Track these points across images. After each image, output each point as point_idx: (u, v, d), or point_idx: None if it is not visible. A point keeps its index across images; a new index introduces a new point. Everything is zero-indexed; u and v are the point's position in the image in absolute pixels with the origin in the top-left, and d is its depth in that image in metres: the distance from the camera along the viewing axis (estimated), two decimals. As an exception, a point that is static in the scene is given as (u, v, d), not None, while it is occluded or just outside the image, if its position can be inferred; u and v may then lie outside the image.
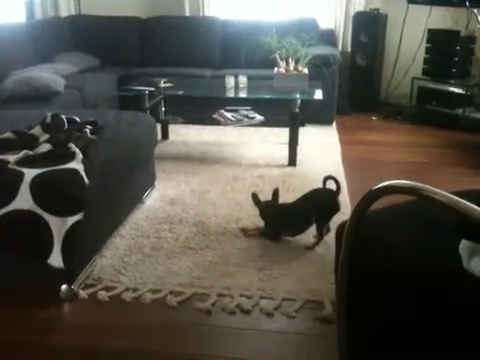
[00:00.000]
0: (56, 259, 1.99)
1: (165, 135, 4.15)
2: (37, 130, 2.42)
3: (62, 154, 2.18)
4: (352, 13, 5.00)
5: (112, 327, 1.92)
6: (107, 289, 2.12)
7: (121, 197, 2.57)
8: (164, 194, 3.06)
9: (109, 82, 4.52)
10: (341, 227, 1.60)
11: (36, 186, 1.98)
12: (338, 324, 1.40)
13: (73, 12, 5.46)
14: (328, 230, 2.50)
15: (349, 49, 5.10)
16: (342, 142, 4.10)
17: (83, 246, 2.11)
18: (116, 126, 2.71)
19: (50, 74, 3.95)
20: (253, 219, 2.68)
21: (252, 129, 4.19)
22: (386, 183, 1.15)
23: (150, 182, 3.09)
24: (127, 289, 2.12)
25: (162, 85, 3.78)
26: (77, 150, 2.20)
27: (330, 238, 2.40)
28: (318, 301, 2.03)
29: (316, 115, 4.35)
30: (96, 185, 2.14)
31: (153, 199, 2.99)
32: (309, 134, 4.19)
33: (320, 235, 2.46)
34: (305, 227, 2.51)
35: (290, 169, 3.50)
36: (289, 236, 2.52)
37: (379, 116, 4.90)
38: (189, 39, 5.00)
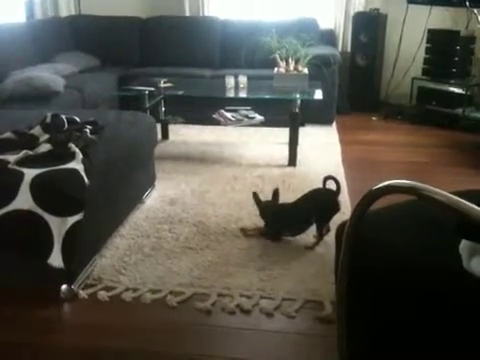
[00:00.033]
0: (56, 259, 1.99)
1: (165, 135, 4.15)
2: (37, 130, 2.42)
3: (62, 154, 2.18)
4: (352, 13, 5.00)
5: (112, 327, 1.92)
6: (107, 289, 2.12)
7: (121, 197, 2.57)
8: (164, 194, 3.06)
9: (109, 82, 4.52)
10: (341, 227, 1.60)
11: (36, 186, 1.98)
12: (338, 324, 1.40)
13: (73, 12, 5.46)
14: (328, 230, 2.50)
15: (349, 49, 5.10)
16: (342, 142, 4.10)
17: (83, 246, 2.11)
18: (116, 126, 2.71)
19: (50, 74, 3.95)
20: (253, 219, 2.68)
21: (252, 129, 4.19)
22: (386, 183, 1.15)
23: (150, 182, 3.09)
24: (127, 289, 2.12)
25: (162, 85, 3.78)
26: (77, 150, 2.20)
27: (330, 238, 2.40)
28: (318, 301, 2.03)
29: (316, 115, 4.35)
30: (96, 185, 2.14)
31: (153, 199, 2.99)
32: (309, 134, 4.19)
33: (320, 235, 2.47)
34: (305, 227, 2.51)
35: (290, 169, 3.50)
36: (289, 236, 2.52)
37: (379, 116, 4.90)
38: (189, 39, 5.00)
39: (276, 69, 3.81)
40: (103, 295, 2.08)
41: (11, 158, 2.11)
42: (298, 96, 3.55)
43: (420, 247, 1.44)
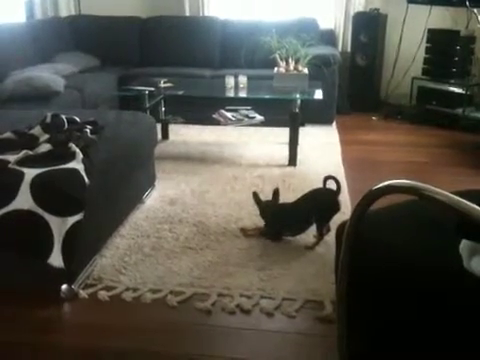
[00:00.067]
0: (56, 259, 1.99)
1: (165, 135, 4.15)
2: (37, 130, 2.42)
3: (62, 154, 2.18)
4: (352, 13, 5.00)
5: (112, 327, 1.92)
6: (107, 289, 2.12)
7: (121, 197, 2.57)
8: (164, 194, 3.06)
9: (109, 82, 4.52)
10: (341, 227, 1.60)
11: (36, 186, 1.98)
12: (338, 324, 1.40)
13: (73, 12, 5.46)
14: (328, 230, 2.50)
15: (349, 49, 5.10)
16: (342, 142, 4.10)
17: (83, 246, 2.11)
18: (116, 126, 2.71)
19: (50, 74, 3.95)
20: (253, 219, 2.68)
21: (252, 129, 4.19)
22: (386, 183, 1.15)
23: (150, 182, 3.09)
24: (127, 289, 2.12)
25: (162, 85, 3.78)
26: (77, 150, 2.20)
27: (330, 238, 2.40)
28: (318, 301, 2.03)
29: (316, 115, 4.35)
30: (96, 185, 2.14)
31: (153, 199, 2.99)
32: (309, 134, 4.19)
33: (320, 235, 2.47)
34: (305, 227, 2.51)
35: (290, 169, 3.50)
36: (289, 236, 2.52)
37: (379, 116, 4.90)
38: (189, 39, 5.00)
39: (276, 69, 3.81)
40: (103, 295, 2.08)
41: (11, 158, 2.11)
42: (298, 96, 3.55)
43: (420, 247, 1.44)
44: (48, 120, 2.51)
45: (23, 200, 1.97)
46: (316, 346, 1.81)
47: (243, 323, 1.93)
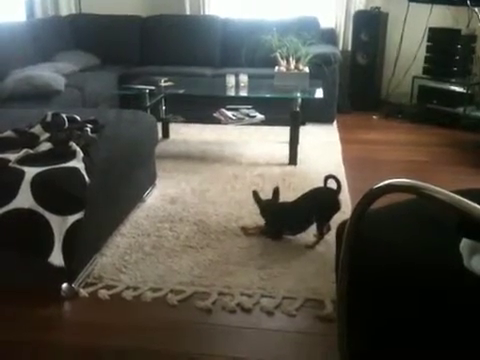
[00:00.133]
0: (57, 258, 1.99)
1: (166, 134, 4.15)
2: (38, 129, 2.42)
3: (63, 153, 2.18)
4: (353, 12, 5.00)
5: (113, 326, 1.92)
6: (108, 288, 2.12)
7: (122, 196, 2.57)
8: (165, 193, 3.07)
9: (109, 81, 4.52)
10: (342, 226, 1.60)
11: (37, 185, 1.98)
12: (338, 323, 1.40)
13: (73, 11, 5.46)
14: (329, 229, 2.50)
15: (350, 48, 5.10)
16: (343, 141, 4.10)
17: (84, 245, 2.11)
18: (117, 125, 2.71)
19: (50, 73, 3.95)
20: (254, 218, 2.68)
21: (253, 128, 4.19)
22: (387, 182, 1.15)
23: (151, 181, 3.09)
24: (128, 288, 2.12)
25: (163, 84, 3.78)
26: (78, 149, 2.20)
27: (331, 237, 2.40)
28: (319, 300, 2.03)
29: (317, 114, 4.35)
30: (97, 184, 2.14)
31: (154, 198, 2.99)
32: (310, 133, 4.19)
33: (320, 234, 2.47)
34: (306, 226, 2.51)
35: (291, 168, 3.50)
36: (290, 235, 2.52)
37: (380, 115, 4.90)
38: (190, 38, 5.00)
39: (277, 68, 3.80)
40: (104, 294, 2.08)
41: (12, 157, 2.11)
42: (299, 95, 3.55)
43: (420, 246, 1.44)
44: (48, 119, 2.51)
45: (23, 199, 1.97)
46: (316, 345, 1.81)
47: (243, 322, 1.93)
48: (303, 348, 1.80)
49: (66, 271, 2.03)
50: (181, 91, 3.65)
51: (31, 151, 2.20)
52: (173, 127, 4.21)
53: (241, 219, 2.71)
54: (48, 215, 1.97)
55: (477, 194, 1.37)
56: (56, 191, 2.00)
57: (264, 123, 3.95)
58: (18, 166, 2.05)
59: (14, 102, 3.46)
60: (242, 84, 3.76)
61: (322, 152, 3.81)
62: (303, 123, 4.08)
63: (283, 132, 3.73)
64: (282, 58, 3.76)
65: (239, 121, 3.91)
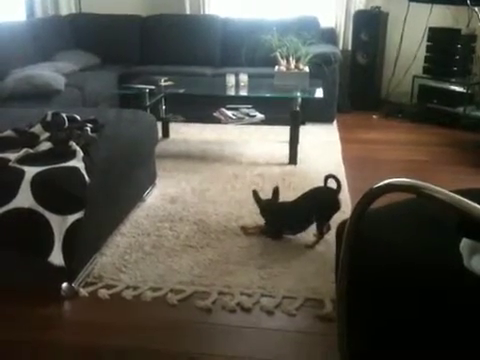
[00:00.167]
0: (57, 257, 1.99)
1: (166, 133, 4.15)
2: (38, 128, 2.42)
3: (63, 152, 2.18)
4: (353, 11, 5.00)
5: (112, 325, 1.92)
6: (108, 287, 2.12)
7: (122, 195, 2.57)
8: (165, 192, 3.07)
9: (109, 80, 4.52)
10: (342, 225, 1.60)
11: (37, 184, 1.98)
12: (338, 322, 1.40)
13: (73, 10, 5.46)
14: (328, 229, 2.50)
15: (350, 47, 5.10)
16: (343, 140, 4.10)
17: (84, 244, 2.11)
18: (117, 124, 2.71)
19: (51, 72, 3.95)
20: (254, 217, 2.68)
21: (253, 127, 4.19)
22: (386, 181, 1.15)
23: (151, 180, 3.09)
24: (127, 287, 2.12)
25: (163, 83, 3.78)
26: (78, 148, 2.20)
27: (330, 236, 2.40)
28: (318, 299, 2.03)
29: (317, 113, 4.35)
30: (97, 183, 2.14)
31: (154, 197, 2.99)
32: (310, 132, 4.19)
33: (320, 233, 2.47)
34: (306, 225, 2.51)
35: (291, 167, 3.50)
36: (290, 234, 2.52)
37: (380, 114, 4.89)
38: (190, 37, 5.00)
39: (277, 67, 3.80)
40: (104, 293, 2.08)
41: (12, 156, 2.11)
42: (299, 94, 3.55)
43: (420, 245, 1.44)
44: (49, 118, 2.51)
45: (24, 198, 1.97)
46: (316, 344, 1.81)
47: (243, 321, 1.93)
48: (303, 347, 1.80)
49: (66, 270, 2.03)
50: (181, 90, 3.65)
51: (31, 151, 2.20)
52: (173, 126, 4.21)
53: (241, 219, 2.71)
54: (48, 215, 1.97)
55: (477, 194, 1.36)
56: (56, 190, 2.00)
57: (264, 123, 3.95)
58: (18, 165, 2.05)
59: (14, 101, 3.46)
60: (242, 84, 3.75)
61: (322, 152, 3.81)
62: (303, 123, 4.07)
63: (283, 132, 3.73)
64: (282, 58, 3.76)
65: (239, 120, 3.91)
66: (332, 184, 2.53)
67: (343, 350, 1.40)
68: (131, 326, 1.91)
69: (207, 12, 5.30)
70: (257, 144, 4.00)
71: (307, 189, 2.58)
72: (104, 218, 2.35)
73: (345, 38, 5.13)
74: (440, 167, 3.57)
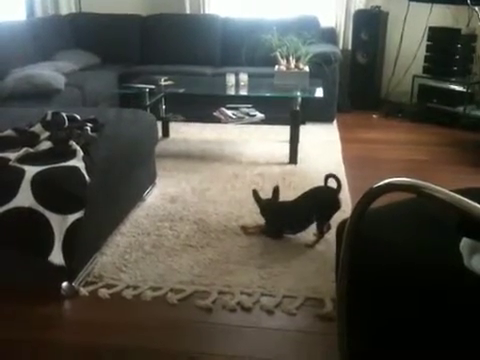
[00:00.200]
0: (57, 256, 1.99)
1: (166, 133, 4.15)
2: (38, 128, 2.42)
3: (63, 152, 2.18)
4: (353, 11, 5.00)
5: (112, 324, 1.92)
6: (108, 287, 2.12)
7: (122, 195, 2.57)
8: (165, 192, 3.07)
9: (109, 80, 4.52)
10: (342, 225, 1.60)
11: (37, 184, 1.98)
12: (339, 322, 1.40)
13: (73, 10, 5.46)
14: (329, 228, 2.50)
15: (350, 47, 5.10)
16: (343, 140, 4.10)
17: (84, 244, 2.11)
18: (117, 124, 2.71)
19: (51, 72, 3.95)
20: (254, 217, 2.68)
21: (253, 127, 4.19)
22: (387, 181, 1.15)
23: (151, 180, 3.09)
24: (128, 287, 2.13)
25: (163, 83, 3.78)
26: (78, 148, 2.20)
27: (331, 236, 2.40)
28: (319, 299, 2.03)
29: (317, 113, 4.35)
30: (97, 183, 2.14)
31: (154, 197, 2.99)
32: (310, 132, 4.19)
33: (320, 233, 2.47)
34: (306, 225, 2.51)
35: (291, 167, 3.50)
36: (290, 234, 2.52)
37: (380, 114, 4.89)
38: (190, 37, 5.00)
39: (277, 67, 3.80)
40: (104, 292, 2.08)
41: (12, 155, 2.11)
42: (299, 94, 3.54)
43: (420, 245, 1.44)
44: (49, 118, 2.51)
45: (24, 198, 1.97)
46: (316, 344, 1.81)
47: (243, 321, 1.93)
48: (303, 347, 1.80)
49: (66, 270, 2.03)
50: (181, 90, 3.65)
51: (31, 150, 2.20)
52: (173, 126, 4.21)
53: (241, 218, 2.71)
54: (48, 214, 1.97)
55: (477, 193, 1.36)
56: (56, 190, 2.00)
57: (264, 122, 3.95)
58: (18, 165, 2.05)
59: (14, 101, 3.46)
60: (242, 83, 3.75)
61: (322, 151, 3.81)
62: (303, 122, 4.07)
63: (283, 131, 3.73)
64: (282, 57, 3.76)
65: (239, 120, 3.91)
66: (332, 183, 2.53)
67: (343, 349, 1.40)
68: (131, 325, 1.91)
69: (207, 12, 5.30)
70: (257, 144, 4.00)
71: (307, 188, 2.58)
72: (104, 217, 2.35)
73: (345, 38, 5.13)
74: (440, 167, 3.57)
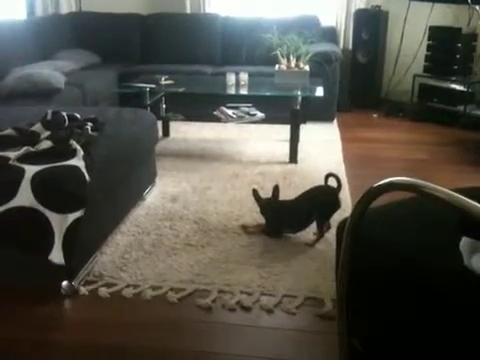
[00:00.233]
0: (57, 255, 1.99)
1: (166, 132, 4.14)
2: (38, 127, 2.42)
3: (63, 151, 2.18)
4: (353, 10, 5.00)
5: (112, 323, 1.92)
6: (108, 285, 2.12)
7: (122, 194, 2.57)
8: (165, 191, 3.07)
9: (110, 79, 4.51)
10: (342, 224, 1.60)
11: (37, 183, 1.98)
12: (338, 321, 1.40)
13: (74, 9, 5.45)
14: (329, 227, 2.50)
15: (350, 46, 5.09)
16: (343, 139, 4.10)
17: (84, 243, 2.11)
18: (117, 123, 2.71)
19: (51, 71, 3.95)
20: (254, 216, 2.68)
21: (253, 126, 4.19)
22: (387, 180, 1.15)
23: (151, 179, 3.09)
24: (128, 286, 2.13)
25: (163, 82, 3.77)
26: (78, 147, 2.20)
27: (331, 235, 2.40)
28: (318, 298, 2.03)
29: (317, 112, 4.35)
30: (97, 182, 2.14)
31: (154, 196, 2.99)
32: (310, 131, 4.19)
33: (321, 232, 2.46)
34: (306, 224, 2.51)
35: (291, 166, 3.50)
36: (290, 233, 2.52)
37: (380, 113, 4.89)
38: (190, 36, 5.00)
39: (277, 66, 3.80)
40: (104, 291, 2.08)
41: (12, 155, 2.11)
42: (299, 93, 3.54)
43: (420, 245, 1.44)
44: (49, 117, 2.51)
45: (24, 197, 1.97)
46: (316, 343, 1.81)
47: (243, 320, 1.93)
48: (303, 346, 1.80)
49: (66, 269, 2.03)
50: (181, 89, 3.65)
51: (31, 149, 2.20)
52: (173, 125, 4.21)
53: (241, 217, 2.71)
54: (48, 213, 1.97)
55: (477, 193, 1.36)
56: (56, 189, 2.00)
57: (264, 121, 3.95)
58: (18, 164, 2.05)
59: (14, 100, 3.46)
60: (242, 82, 3.75)
61: (322, 150, 3.81)
62: (303, 121, 4.07)
63: (283, 130, 3.73)
64: (282, 56, 3.76)
65: (239, 119, 3.91)
66: (332, 183, 2.53)
67: (343, 349, 1.40)
68: (131, 324, 1.91)
69: (207, 11, 5.29)
70: (257, 143, 4.00)
71: (307, 188, 2.58)
72: (104, 217, 2.35)
73: (345, 37, 5.13)
74: (440, 166, 3.57)
